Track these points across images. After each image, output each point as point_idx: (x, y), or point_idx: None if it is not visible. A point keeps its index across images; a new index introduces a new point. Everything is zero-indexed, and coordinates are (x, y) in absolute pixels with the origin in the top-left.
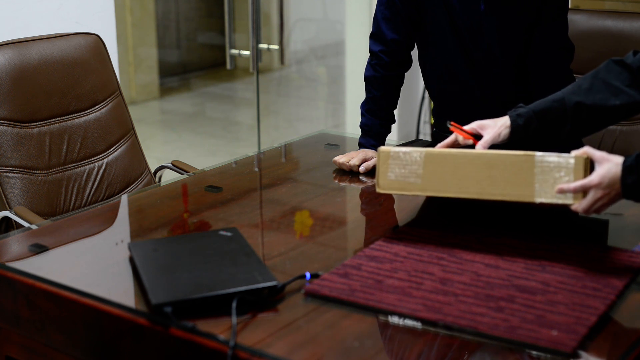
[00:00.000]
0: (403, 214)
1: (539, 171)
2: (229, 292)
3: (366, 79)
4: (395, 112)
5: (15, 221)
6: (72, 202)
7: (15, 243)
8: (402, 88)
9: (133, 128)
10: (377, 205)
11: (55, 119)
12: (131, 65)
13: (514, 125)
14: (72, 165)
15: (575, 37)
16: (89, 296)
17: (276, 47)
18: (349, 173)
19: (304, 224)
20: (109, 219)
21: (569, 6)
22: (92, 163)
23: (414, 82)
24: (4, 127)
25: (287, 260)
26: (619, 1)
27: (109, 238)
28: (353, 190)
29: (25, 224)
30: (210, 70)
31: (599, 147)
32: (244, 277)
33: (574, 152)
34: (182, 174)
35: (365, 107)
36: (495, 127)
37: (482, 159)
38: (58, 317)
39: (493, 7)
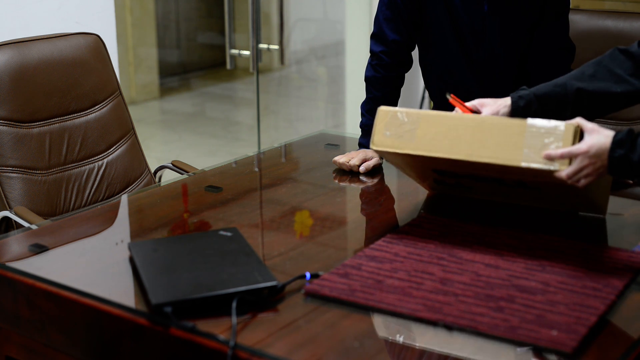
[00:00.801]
0: (403, 214)
1: (529, 136)
2: (229, 292)
3: (367, 79)
4: None
5: (15, 221)
6: (72, 202)
7: (15, 243)
8: (402, 88)
9: (133, 128)
10: (377, 205)
11: (55, 119)
12: (131, 65)
13: (514, 106)
14: (72, 165)
15: (575, 37)
16: (89, 296)
17: (276, 47)
18: (349, 173)
19: (304, 224)
20: (109, 219)
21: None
22: (92, 163)
23: (414, 82)
24: (4, 127)
25: (287, 260)
26: (619, 1)
27: (109, 238)
28: (353, 190)
29: (25, 224)
30: (210, 70)
31: None
32: (244, 277)
33: (566, 122)
34: (182, 174)
35: (366, 108)
36: (495, 105)
37: (475, 121)
38: (58, 317)
39: (497, 8)
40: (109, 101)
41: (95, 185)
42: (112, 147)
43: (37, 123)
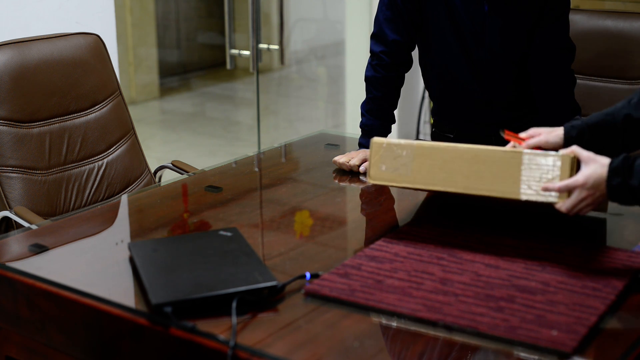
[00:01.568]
0: (403, 214)
1: (526, 168)
2: (229, 292)
3: (367, 79)
4: (395, 112)
5: (15, 221)
6: (72, 202)
7: (15, 243)
8: (402, 88)
9: (133, 128)
10: (377, 205)
11: (55, 119)
12: (131, 65)
13: (566, 136)
14: (72, 165)
15: (575, 37)
16: (89, 296)
17: (276, 47)
18: (349, 173)
19: (304, 224)
20: (109, 219)
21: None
22: (92, 163)
23: (414, 82)
24: (4, 127)
25: (287, 260)
26: (619, 1)
27: (109, 238)
28: (353, 190)
29: (25, 224)
30: (210, 70)
31: None
32: (244, 277)
33: (562, 151)
34: (182, 174)
35: (366, 108)
36: (548, 134)
37: (471, 153)
38: (58, 317)
39: (497, 8)
40: (109, 101)
41: (95, 185)
42: (112, 147)
43: (37, 123)
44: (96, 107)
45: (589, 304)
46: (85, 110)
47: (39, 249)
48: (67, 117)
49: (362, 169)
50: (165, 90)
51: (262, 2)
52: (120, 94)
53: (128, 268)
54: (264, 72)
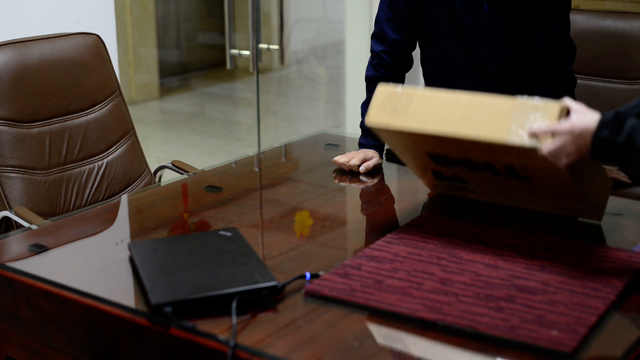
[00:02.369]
0: (403, 214)
1: (516, 112)
2: (229, 292)
3: (367, 78)
4: None
5: (15, 221)
6: (72, 202)
7: (15, 243)
8: None
9: (133, 128)
10: (377, 205)
11: (55, 119)
12: (131, 65)
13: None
14: (72, 165)
15: (575, 37)
16: (89, 296)
17: (276, 47)
18: (349, 173)
19: (304, 224)
20: (109, 219)
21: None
22: (92, 163)
23: (414, 82)
24: (4, 127)
25: (287, 260)
26: (618, 1)
27: (109, 238)
28: (353, 190)
29: (25, 224)
30: (210, 70)
31: None
32: (244, 277)
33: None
34: (182, 174)
35: (366, 107)
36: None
37: (467, 100)
38: (58, 317)
39: (496, 7)
40: (109, 101)
41: (95, 185)
42: (112, 147)
43: (37, 123)
44: (96, 107)
45: (589, 304)
46: (85, 110)
47: (39, 249)
48: (67, 117)
49: (362, 169)
50: (165, 90)
51: (262, 2)
52: (120, 94)
53: (128, 268)
54: (264, 72)
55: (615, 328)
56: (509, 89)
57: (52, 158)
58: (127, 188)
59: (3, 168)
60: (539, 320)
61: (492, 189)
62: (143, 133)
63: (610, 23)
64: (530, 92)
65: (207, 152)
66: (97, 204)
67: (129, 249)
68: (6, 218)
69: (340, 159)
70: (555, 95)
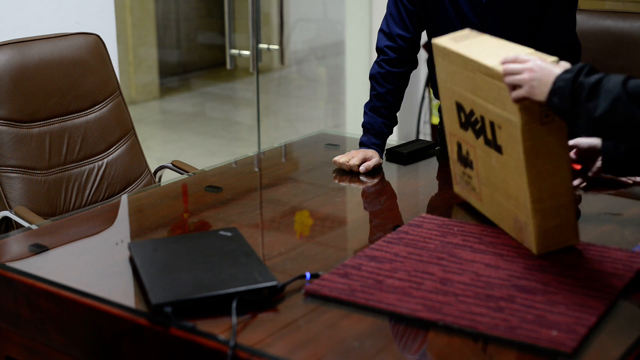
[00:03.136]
0: (404, 213)
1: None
2: (229, 292)
3: (371, 76)
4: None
5: (15, 221)
6: (72, 202)
7: (15, 243)
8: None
9: (133, 128)
10: (377, 205)
11: (55, 119)
12: (131, 65)
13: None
14: (72, 165)
15: None
16: (89, 296)
17: (276, 47)
18: (349, 173)
19: (304, 224)
20: (109, 219)
21: None
22: (92, 163)
23: (414, 82)
24: (4, 127)
25: (287, 260)
26: (618, 1)
27: (109, 238)
28: (353, 190)
29: (25, 224)
30: (210, 70)
31: None
32: (244, 277)
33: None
34: (182, 174)
35: (369, 106)
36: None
37: (510, 46)
38: (58, 317)
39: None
40: (109, 101)
41: (95, 185)
42: (112, 147)
43: (37, 123)
44: (96, 107)
45: (589, 304)
46: (85, 110)
47: (39, 249)
48: (67, 117)
49: (362, 168)
50: (165, 90)
51: (262, 2)
52: (120, 94)
53: (128, 268)
54: (264, 72)
55: (615, 328)
56: None
57: (52, 158)
58: (127, 188)
59: (3, 168)
60: (539, 320)
61: (484, 178)
62: (143, 133)
63: (610, 23)
64: None
65: (207, 152)
66: (97, 204)
67: (129, 249)
68: (6, 218)
69: (340, 158)
70: None
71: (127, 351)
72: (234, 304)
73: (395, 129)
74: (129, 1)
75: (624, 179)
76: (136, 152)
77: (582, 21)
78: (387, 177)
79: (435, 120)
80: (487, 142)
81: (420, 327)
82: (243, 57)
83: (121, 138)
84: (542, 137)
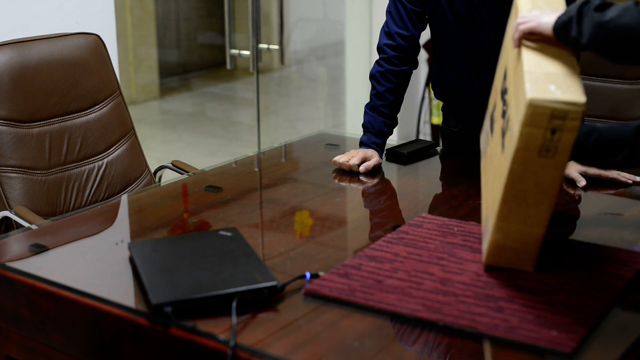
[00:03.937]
0: (404, 213)
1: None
2: (229, 292)
3: (371, 76)
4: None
5: (15, 221)
6: (72, 202)
7: (15, 243)
8: None
9: (133, 128)
10: (377, 205)
11: (55, 119)
12: (131, 65)
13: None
14: (72, 165)
15: None
16: (89, 296)
17: (276, 47)
18: (349, 173)
19: (304, 224)
20: (109, 219)
21: None
22: (92, 163)
23: (414, 82)
24: (4, 127)
25: (287, 260)
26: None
27: (109, 238)
28: (353, 190)
29: (25, 224)
30: (210, 70)
31: None
32: (244, 277)
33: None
34: (182, 174)
35: (369, 106)
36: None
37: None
38: (58, 317)
39: None
40: (109, 101)
41: (95, 185)
42: (112, 147)
43: (37, 123)
44: (96, 107)
45: (589, 304)
46: (85, 110)
47: (39, 249)
48: (67, 117)
49: (362, 168)
50: (165, 90)
51: (262, 2)
52: (120, 94)
53: (128, 268)
54: (264, 72)
55: (615, 328)
56: None
57: (52, 158)
58: (127, 188)
59: (3, 168)
60: (538, 321)
61: (489, 155)
62: (143, 133)
63: None
64: None
65: (207, 152)
66: (97, 204)
67: (129, 249)
68: (6, 218)
69: (340, 158)
70: None
71: (127, 351)
72: (234, 304)
73: (395, 129)
74: (129, 1)
75: (623, 179)
76: (136, 152)
77: None
78: (387, 177)
79: (435, 120)
80: (502, 130)
81: (420, 327)
82: (243, 57)
83: (121, 138)
84: (534, 167)
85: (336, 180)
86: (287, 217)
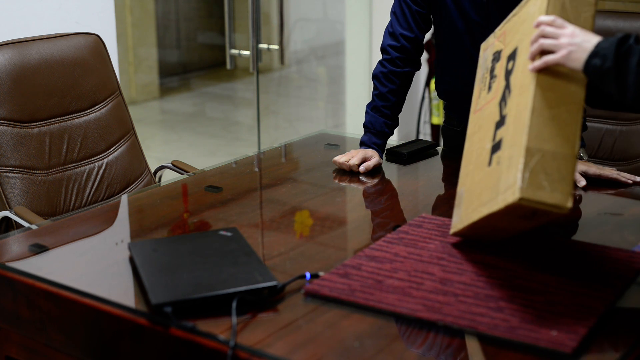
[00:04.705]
0: (404, 213)
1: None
2: (229, 292)
3: (373, 76)
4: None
5: (15, 221)
6: (72, 202)
7: (15, 243)
8: None
9: (133, 128)
10: (377, 205)
11: (55, 119)
12: (131, 65)
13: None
14: (72, 165)
15: None
16: (89, 296)
17: (276, 47)
18: (349, 173)
19: (304, 224)
20: (109, 219)
21: None
22: (92, 163)
23: (414, 82)
24: (4, 127)
25: (287, 260)
26: (618, 1)
27: (109, 238)
28: (353, 190)
29: (25, 224)
30: (210, 70)
31: (598, 147)
32: (244, 277)
33: None
34: (182, 174)
35: (371, 106)
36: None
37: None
38: (58, 317)
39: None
40: (109, 101)
41: (95, 185)
42: (112, 147)
43: (37, 123)
44: (96, 107)
45: (589, 304)
46: (85, 110)
47: (39, 249)
48: (67, 117)
49: (362, 168)
50: (165, 90)
51: (262, 2)
52: (120, 94)
53: (128, 268)
54: (264, 72)
55: (615, 328)
56: None
57: (52, 158)
58: (127, 188)
59: (3, 168)
60: (538, 321)
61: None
62: (143, 133)
63: (610, 23)
64: None
65: (207, 152)
66: (97, 204)
67: (129, 249)
68: (6, 218)
69: (340, 158)
70: None
71: (127, 351)
72: (234, 304)
73: (395, 129)
74: (129, 1)
75: (623, 179)
76: (136, 152)
77: None
78: (387, 177)
79: (435, 120)
80: (507, 86)
81: (420, 327)
82: (243, 57)
83: (121, 138)
84: (560, 82)
85: (336, 180)
86: (287, 217)
